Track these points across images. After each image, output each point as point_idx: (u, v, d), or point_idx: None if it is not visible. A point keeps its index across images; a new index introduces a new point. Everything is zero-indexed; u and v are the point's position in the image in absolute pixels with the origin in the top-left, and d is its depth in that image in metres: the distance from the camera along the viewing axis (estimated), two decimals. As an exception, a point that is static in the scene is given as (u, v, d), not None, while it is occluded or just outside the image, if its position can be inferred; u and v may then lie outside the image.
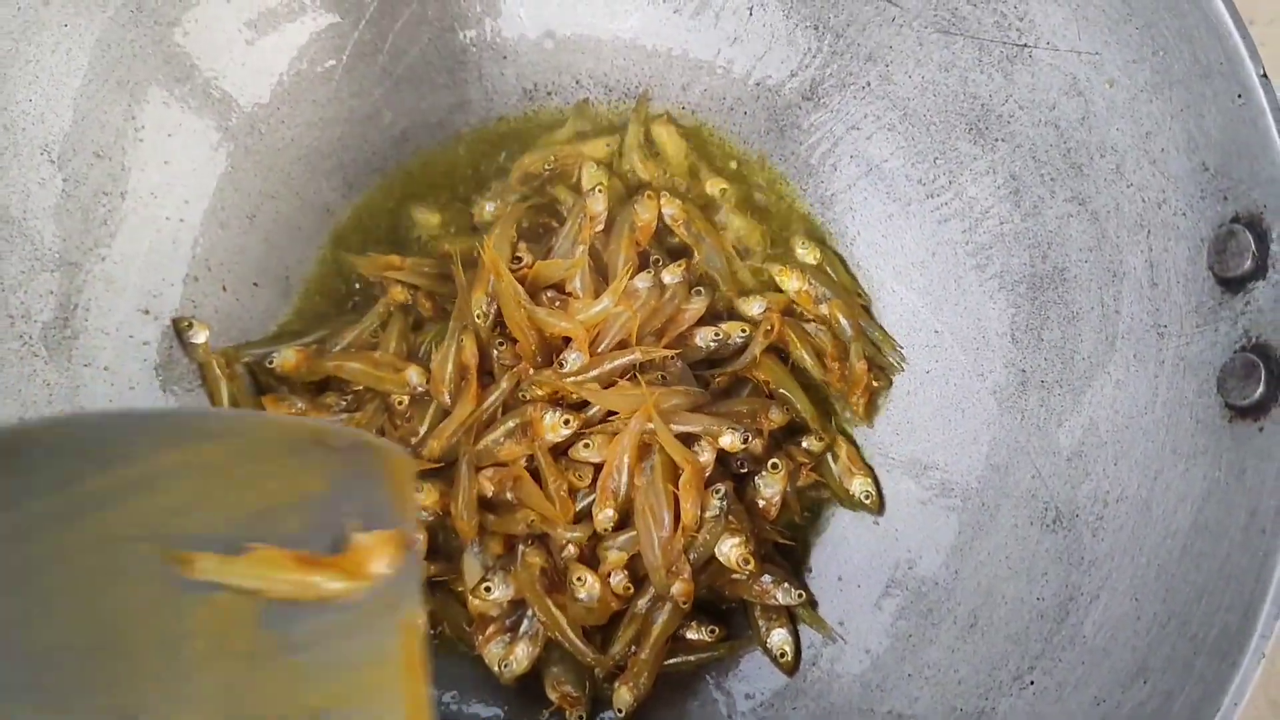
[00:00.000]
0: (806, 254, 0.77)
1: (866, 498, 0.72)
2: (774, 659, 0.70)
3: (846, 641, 0.69)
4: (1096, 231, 0.62)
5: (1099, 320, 0.62)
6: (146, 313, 0.70)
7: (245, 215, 0.75)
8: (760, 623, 0.70)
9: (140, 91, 0.69)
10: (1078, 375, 0.63)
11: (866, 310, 0.77)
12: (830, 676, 0.69)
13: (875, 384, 0.75)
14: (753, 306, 0.77)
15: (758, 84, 0.77)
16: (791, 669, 0.69)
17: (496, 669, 0.71)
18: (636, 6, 0.77)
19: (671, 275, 0.75)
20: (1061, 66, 0.62)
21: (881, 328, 0.76)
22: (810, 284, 0.76)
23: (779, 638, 0.69)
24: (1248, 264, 0.52)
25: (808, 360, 0.76)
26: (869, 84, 0.72)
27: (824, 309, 0.76)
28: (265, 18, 0.72)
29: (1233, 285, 0.54)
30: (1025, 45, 0.64)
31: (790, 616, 0.71)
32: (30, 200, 0.65)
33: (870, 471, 0.74)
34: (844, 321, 0.76)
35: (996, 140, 0.67)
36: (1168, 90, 0.56)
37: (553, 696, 0.71)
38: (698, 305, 0.76)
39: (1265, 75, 0.52)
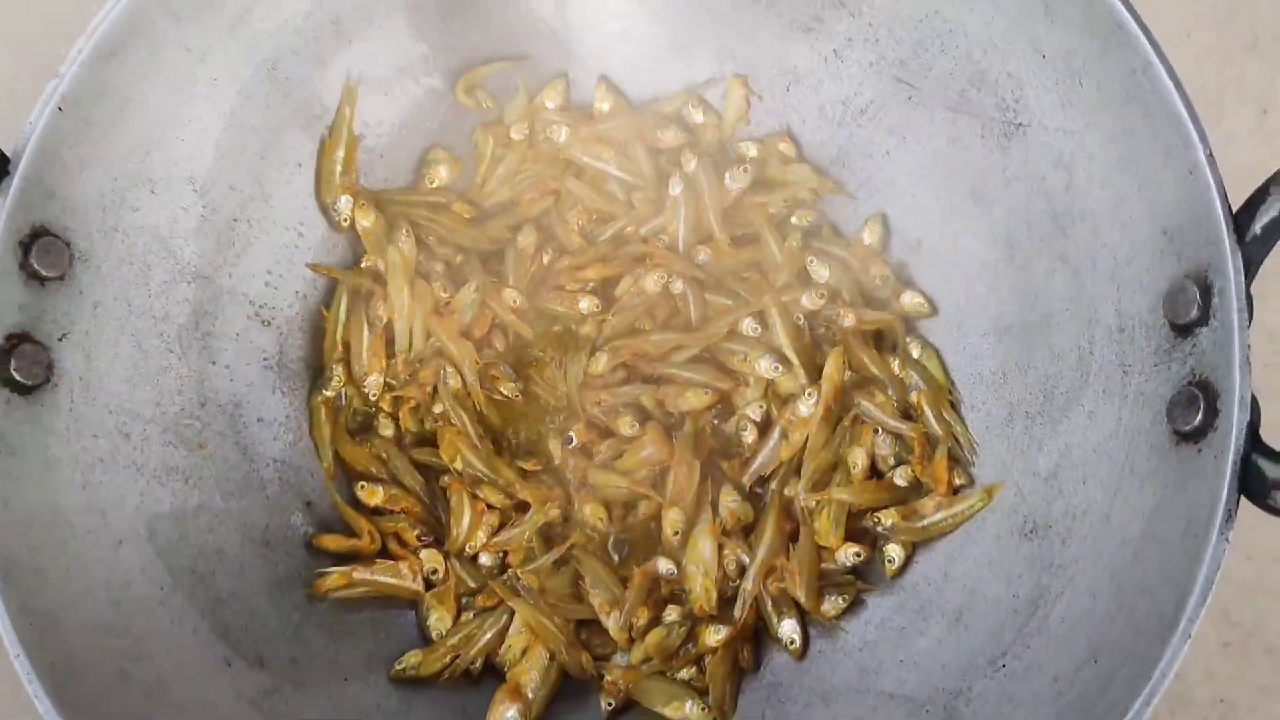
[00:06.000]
0: (914, 347, 0.81)
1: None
2: (784, 647, 0.79)
3: (848, 632, 0.78)
4: (1076, 285, 0.72)
5: (1076, 360, 0.72)
6: (264, 323, 0.83)
7: (350, 243, 0.87)
8: (771, 615, 0.79)
9: (271, 136, 0.81)
10: (1056, 407, 0.73)
11: (954, 407, 0.80)
12: (832, 662, 0.78)
13: (958, 481, 0.78)
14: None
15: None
16: (800, 655, 0.78)
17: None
18: (678, 72, 0.88)
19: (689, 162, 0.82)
20: (1050, 143, 0.72)
21: (965, 425, 0.79)
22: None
23: (789, 628, 0.78)
24: (1194, 313, 0.61)
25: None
26: (888, 153, 0.83)
27: (913, 398, 0.80)
28: (378, 83, 0.85)
29: (1183, 331, 0.63)
30: (1020, 124, 0.74)
31: (798, 608, 0.80)
32: (176, 223, 0.77)
33: None
34: (929, 412, 0.79)
35: (994, 205, 0.77)
36: (1135, 166, 0.66)
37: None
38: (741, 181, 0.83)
39: (1211, 155, 0.61)
